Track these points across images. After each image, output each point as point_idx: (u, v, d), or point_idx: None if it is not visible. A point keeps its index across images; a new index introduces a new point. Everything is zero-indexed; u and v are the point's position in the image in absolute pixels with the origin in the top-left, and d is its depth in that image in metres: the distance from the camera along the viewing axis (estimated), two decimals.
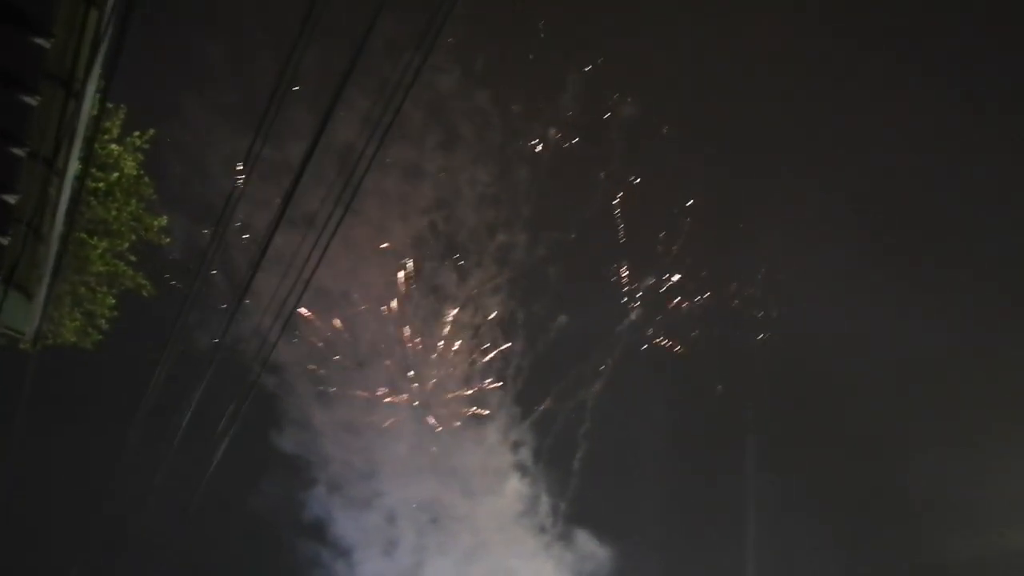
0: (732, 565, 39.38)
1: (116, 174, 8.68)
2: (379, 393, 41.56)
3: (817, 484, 34.67)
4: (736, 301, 35.50)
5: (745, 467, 38.24)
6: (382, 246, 36.33)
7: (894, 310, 32.52)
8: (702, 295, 35.39)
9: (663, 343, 37.30)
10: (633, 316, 37.22)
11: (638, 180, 33.29)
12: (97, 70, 6.56)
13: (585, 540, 45.81)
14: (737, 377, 36.87)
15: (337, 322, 38.64)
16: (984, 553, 32.26)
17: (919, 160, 32.41)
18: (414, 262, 37.25)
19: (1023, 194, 32.03)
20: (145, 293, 9.86)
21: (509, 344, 40.40)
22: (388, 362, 41.26)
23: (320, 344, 38.71)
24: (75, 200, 8.06)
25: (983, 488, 32.27)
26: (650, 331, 37.18)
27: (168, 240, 9.60)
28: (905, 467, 33.66)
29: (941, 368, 32.18)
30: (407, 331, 40.58)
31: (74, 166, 7.42)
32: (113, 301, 9.79)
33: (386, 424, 42.70)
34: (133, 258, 9.52)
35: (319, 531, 46.02)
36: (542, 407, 42.34)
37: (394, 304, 39.08)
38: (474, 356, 42.09)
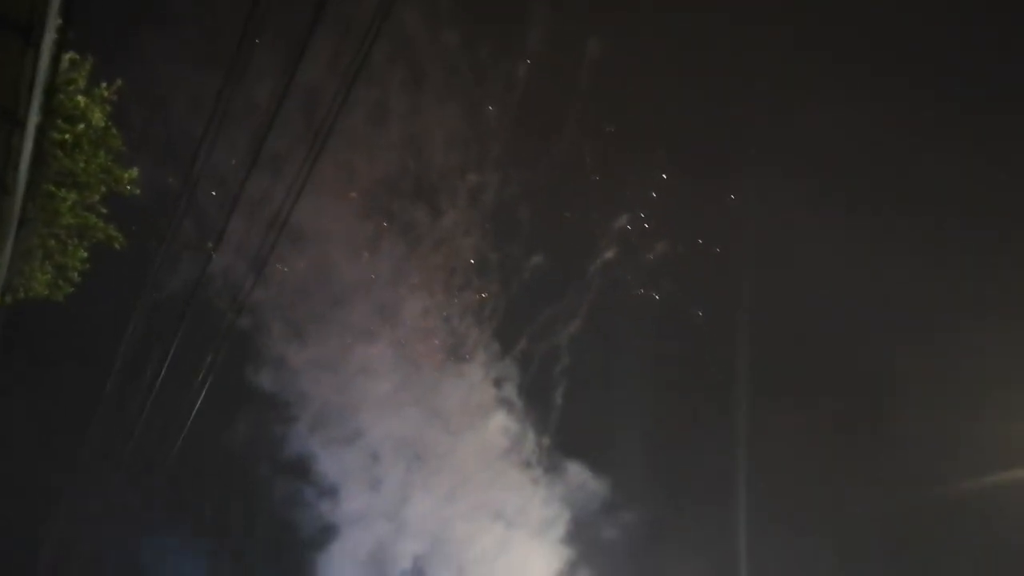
0: (720, 497, 40.30)
1: (82, 125, 8.50)
2: (355, 333, 41.64)
3: (806, 415, 35.32)
4: (716, 248, 35.68)
5: (731, 401, 38.87)
6: (351, 186, 36.00)
7: (885, 244, 32.89)
8: (678, 237, 35.51)
9: (640, 288, 37.52)
10: (610, 256, 37.33)
11: (611, 123, 33.05)
12: (55, 17, 6.37)
13: (571, 474, 46.73)
14: (718, 311, 37.20)
15: (309, 262, 38.44)
16: (980, 488, 32.97)
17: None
18: (384, 203, 36.95)
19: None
20: (117, 245, 9.75)
21: (484, 284, 40.43)
22: (363, 302, 41.21)
23: (292, 284, 38.61)
24: (38, 151, 7.91)
25: (979, 424, 33.02)
26: (628, 274, 37.38)
27: (139, 192, 9.47)
28: (896, 403, 34.29)
29: (933, 305, 32.62)
30: (381, 271, 40.48)
31: (36, 117, 7.27)
32: (85, 254, 9.70)
33: (364, 363, 42.75)
34: (104, 210, 9.40)
35: (301, 470, 46.54)
36: (521, 345, 42.56)
37: (366, 244, 38.87)
38: (450, 296, 42.14)
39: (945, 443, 33.98)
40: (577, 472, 47.40)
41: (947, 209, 32.79)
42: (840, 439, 35.39)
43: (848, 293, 34.11)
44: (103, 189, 9.29)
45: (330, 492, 48.24)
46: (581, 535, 47.89)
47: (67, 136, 8.49)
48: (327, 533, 47.53)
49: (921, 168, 32.47)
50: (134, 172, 9.39)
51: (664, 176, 34.86)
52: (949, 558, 34.94)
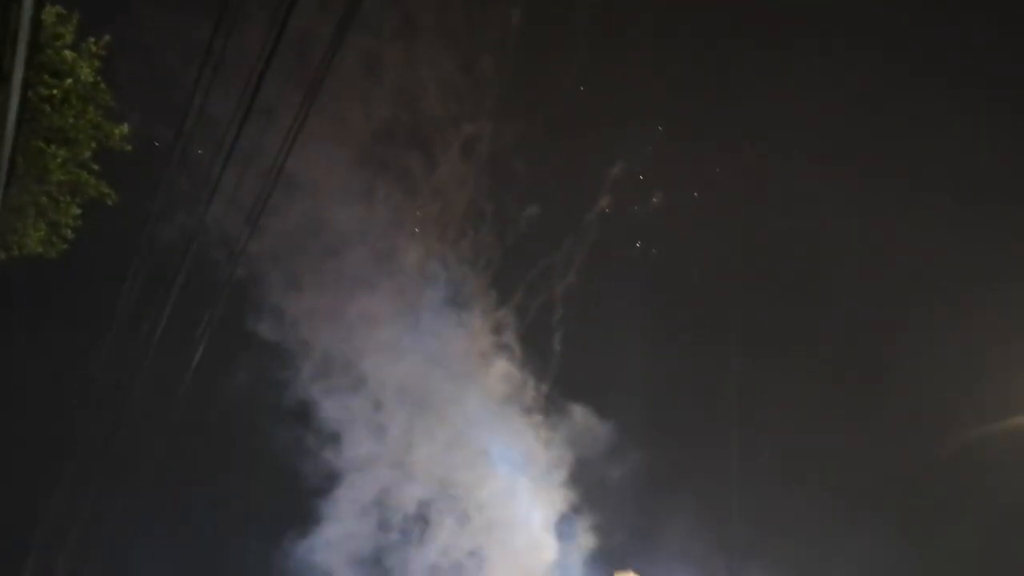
0: (717, 443, 40.74)
1: (70, 80, 8.30)
2: (353, 281, 41.75)
3: (806, 364, 35.51)
4: (714, 198, 35.47)
5: (727, 350, 39.07)
6: (346, 135, 35.68)
7: (888, 194, 32.66)
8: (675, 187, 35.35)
9: (637, 239, 37.45)
10: (607, 205, 37.20)
11: (608, 72, 32.59)
12: None
13: (572, 418, 47.25)
14: (717, 260, 37.15)
15: (304, 211, 38.33)
16: (983, 436, 33.21)
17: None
18: (379, 152, 36.71)
19: None
20: (109, 202, 9.63)
21: (481, 233, 40.36)
22: (360, 251, 41.27)
23: (289, 234, 38.61)
24: (25, 106, 7.72)
25: (982, 373, 33.15)
26: (625, 223, 37.31)
27: (130, 148, 9.32)
28: (898, 352, 34.41)
29: (931, 251, 32.50)
30: (377, 221, 40.42)
31: (21, 70, 7.08)
32: (78, 211, 9.59)
33: (363, 311, 42.93)
34: (96, 167, 9.25)
35: (303, 417, 47.02)
36: (519, 293, 42.66)
37: (361, 194, 38.75)
38: (449, 244, 42.17)
39: (947, 391, 34.24)
40: (579, 416, 47.92)
41: (954, 155, 32.53)
42: (840, 388, 35.64)
43: (849, 243, 34.03)
44: (93, 145, 9.13)
45: (332, 440, 48.80)
46: (584, 477, 48.62)
47: (55, 92, 8.31)
48: (331, 480, 48.14)
49: (930, 112, 32.20)
50: (124, 128, 9.22)
51: (660, 128, 34.57)
52: (952, 506, 35.47)
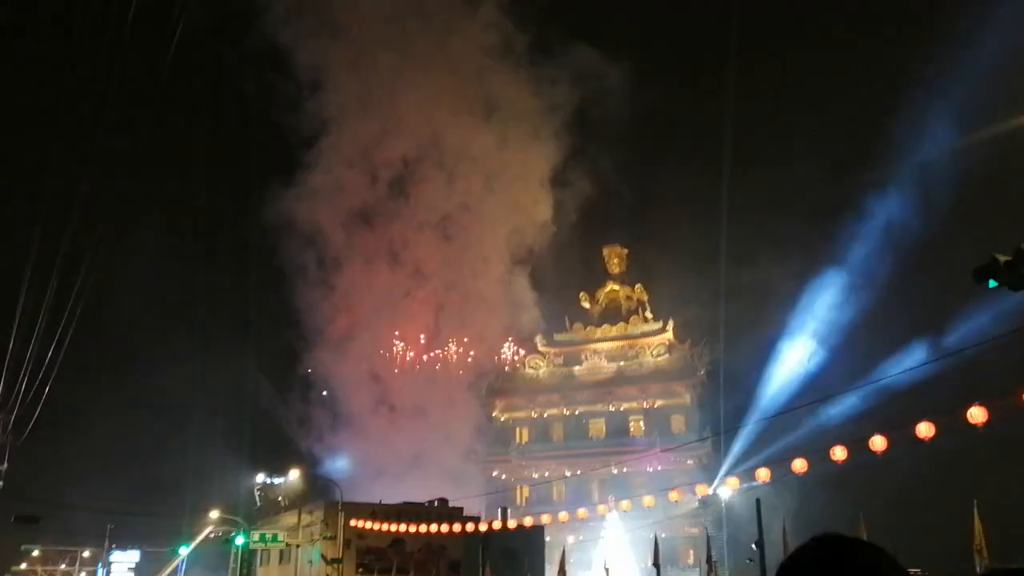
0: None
1: None
2: None
3: None
4: None
5: None
6: None
7: None
8: None
9: None
10: None
11: None
12: None
13: (566, 60, 47.14)
14: None
15: None
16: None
17: None
18: None
19: None
20: None
21: None
22: None
23: None
24: None
25: None
26: None
27: None
28: None
29: None
30: None
31: None
32: None
33: None
34: None
35: (278, 62, 47.16)
36: None
37: None
38: None
39: None
40: (575, 58, 47.83)
41: None
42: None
43: None
44: None
45: (312, 87, 48.48)
46: (575, 127, 48.51)
47: None
48: (313, 133, 47.83)
49: None
50: None
51: None
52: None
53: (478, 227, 52.55)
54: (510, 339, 52.97)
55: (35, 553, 42.86)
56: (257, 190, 53.31)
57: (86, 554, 42.21)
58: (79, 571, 42.58)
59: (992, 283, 7.34)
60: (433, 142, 51.94)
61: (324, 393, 51.08)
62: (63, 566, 42.94)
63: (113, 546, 38.14)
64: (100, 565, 39.35)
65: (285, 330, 51.40)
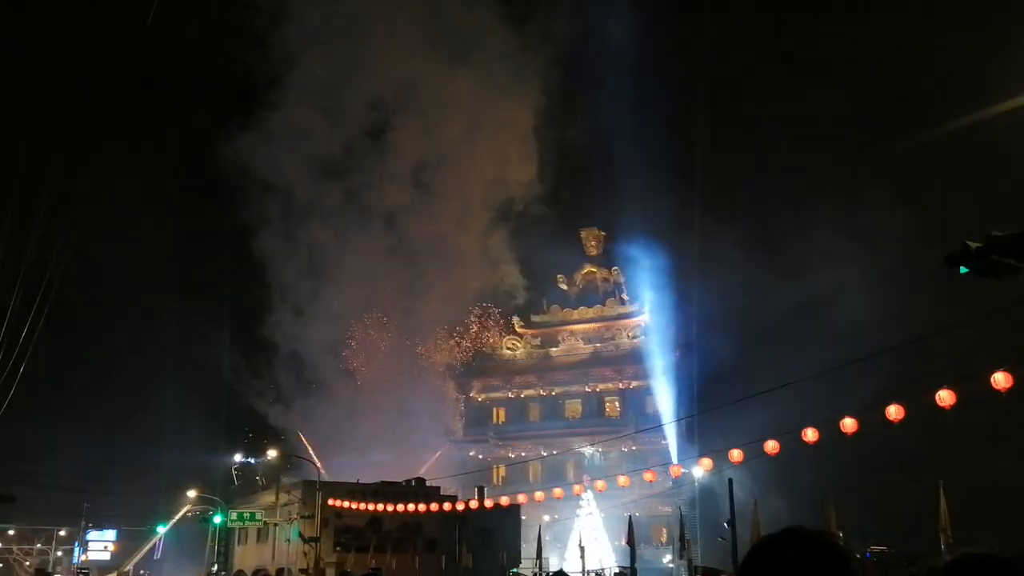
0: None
1: None
2: None
3: None
4: None
5: None
6: None
7: None
8: None
9: None
10: None
11: None
12: None
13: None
14: None
15: None
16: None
17: None
18: None
19: None
20: None
21: None
22: None
23: None
24: None
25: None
26: None
27: None
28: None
29: None
30: None
31: None
32: None
33: None
34: None
35: None
36: None
37: None
38: None
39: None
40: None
41: None
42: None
43: None
44: None
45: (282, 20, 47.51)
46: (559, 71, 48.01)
47: None
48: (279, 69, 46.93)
49: None
50: None
51: None
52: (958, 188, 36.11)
53: (456, 176, 52.14)
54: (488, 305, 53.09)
55: (10, 532, 42.69)
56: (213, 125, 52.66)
57: (62, 533, 42.10)
58: (55, 550, 42.47)
59: (963, 269, 7.55)
60: (408, 83, 51.21)
61: (290, 358, 50.78)
62: (39, 545, 42.80)
63: (90, 525, 38.09)
64: (76, 544, 39.31)
65: (254, 292, 51.04)
